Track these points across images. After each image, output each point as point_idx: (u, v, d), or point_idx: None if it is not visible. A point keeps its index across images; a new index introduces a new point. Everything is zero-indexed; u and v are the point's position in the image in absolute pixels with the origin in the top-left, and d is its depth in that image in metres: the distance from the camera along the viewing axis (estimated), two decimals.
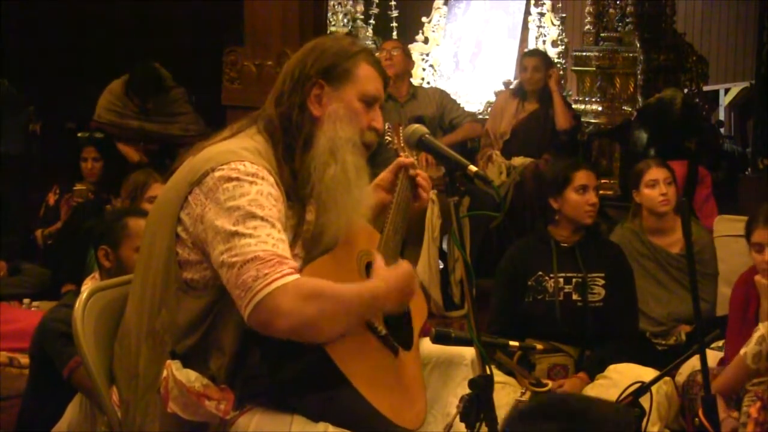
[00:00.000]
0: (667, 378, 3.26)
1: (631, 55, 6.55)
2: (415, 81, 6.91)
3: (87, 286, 2.99)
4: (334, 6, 7.41)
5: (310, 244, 2.37)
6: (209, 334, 2.25)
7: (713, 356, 3.70)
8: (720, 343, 3.79)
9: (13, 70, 7.24)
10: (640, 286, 4.21)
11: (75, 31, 7.86)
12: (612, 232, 4.59)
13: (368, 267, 2.43)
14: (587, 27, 6.85)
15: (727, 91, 9.60)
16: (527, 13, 7.16)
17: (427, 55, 7.43)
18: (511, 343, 2.73)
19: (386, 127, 2.74)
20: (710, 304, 4.30)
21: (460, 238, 2.36)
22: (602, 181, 6.24)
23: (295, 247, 2.30)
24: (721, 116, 9.39)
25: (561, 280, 3.71)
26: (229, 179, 2.20)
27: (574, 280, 3.72)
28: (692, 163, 5.58)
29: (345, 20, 7.50)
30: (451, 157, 2.36)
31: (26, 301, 5.16)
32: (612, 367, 3.54)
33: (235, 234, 2.15)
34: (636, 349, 3.75)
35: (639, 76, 6.62)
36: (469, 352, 2.52)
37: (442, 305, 5.55)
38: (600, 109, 6.55)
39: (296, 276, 2.15)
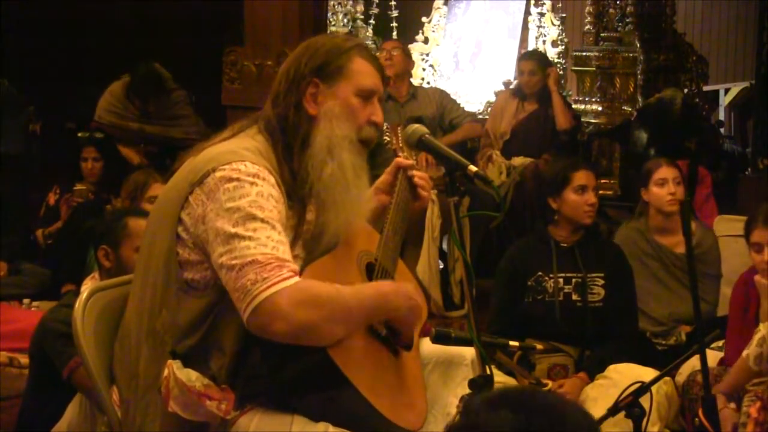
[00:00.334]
0: (667, 378, 3.26)
1: (631, 55, 6.56)
2: (415, 81, 6.91)
3: (87, 286, 2.99)
4: (334, 6, 7.41)
5: (311, 244, 2.37)
6: (210, 334, 2.25)
7: (713, 356, 3.70)
8: (720, 343, 3.78)
9: (13, 70, 7.24)
10: (643, 285, 4.21)
11: (75, 32, 7.86)
12: (611, 231, 4.58)
13: (368, 267, 2.43)
14: (587, 27, 6.85)
15: (727, 91, 9.61)
16: (527, 13, 7.16)
17: (427, 55, 7.43)
18: (511, 343, 2.73)
19: (386, 127, 2.74)
20: (712, 305, 4.30)
21: (460, 238, 2.36)
22: (602, 181, 6.25)
23: (295, 247, 2.29)
24: (721, 116, 9.40)
25: (561, 280, 3.71)
26: (230, 180, 2.20)
27: (573, 280, 3.72)
28: (692, 163, 5.58)
29: (345, 20, 7.50)
30: (451, 157, 2.36)
31: (26, 301, 5.16)
32: (612, 367, 3.54)
33: (235, 236, 2.15)
34: (636, 349, 3.75)
35: (639, 76, 6.63)
36: (469, 352, 2.52)
37: (442, 305, 5.56)
38: (600, 109, 6.55)
39: (296, 279, 2.15)
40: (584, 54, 6.67)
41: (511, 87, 6.56)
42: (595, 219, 3.99)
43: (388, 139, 2.73)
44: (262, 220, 2.17)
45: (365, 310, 2.25)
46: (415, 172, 2.58)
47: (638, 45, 6.64)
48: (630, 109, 6.52)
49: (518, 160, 5.99)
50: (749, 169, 7.50)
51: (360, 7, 7.62)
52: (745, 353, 3.35)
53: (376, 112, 2.40)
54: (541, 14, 7.15)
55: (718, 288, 4.35)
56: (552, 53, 6.99)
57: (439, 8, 7.50)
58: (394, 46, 6.40)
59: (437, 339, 2.45)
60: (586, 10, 6.90)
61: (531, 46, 7.02)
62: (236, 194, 2.18)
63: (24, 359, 4.09)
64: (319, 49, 2.37)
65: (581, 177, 3.77)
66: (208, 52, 7.10)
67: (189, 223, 2.25)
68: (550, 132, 6.11)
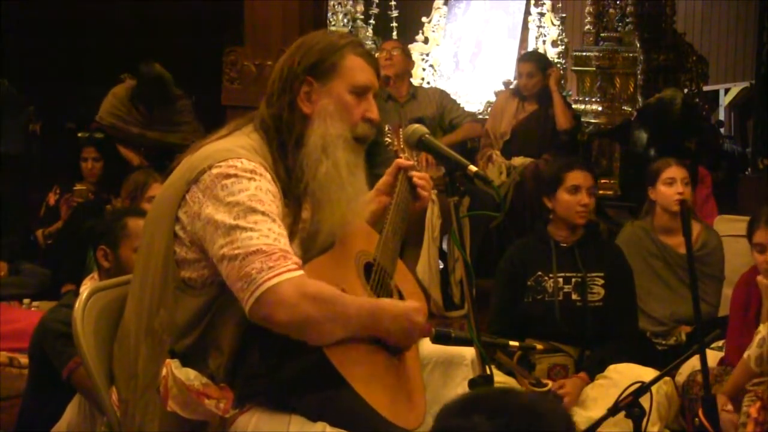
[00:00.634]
0: (667, 378, 3.26)
1: (631, 55, 6.55)
2: (415, 81, 6.91)
3: (86, 287, 2.99)
4: (334, 6, 7.41)
5: (307, 242, 2.37)
6: (208, 333, 2.25)
7: (713, 356, 3.70)
8: (720, 343, 3.78)
9: (13, 70, 7.24)
10: (645, 285, 4.21)
11: (75, 32, 7.86)
12: (612, 231, 4.58)
13: (367, 267, 2.43)
14: (587, 27, 6.85)
15: (727, 91, 9.61)
16: (527, 13, 7.16)
17: (427, 55, 7.43)
18: (511, 343, 2.73)
19: (387, 129, 2.74)
20: (713, 306, 4.29)
21: (460, 238, 2.36)
22: (602, 181, 6.25)
23: (291, 246, 2.29)
24: (721, 116, 9.40)
25: (560, 280, 3.71)
26: (227, 176, 2.20)
27: (573, 280, 3.71)
28: (692, 163, 5.57)
29: (345, 20, 7.50)
30: (451, 157, 2.36)
31: (26, 301, 5.16)
32: (612, 367, 3.54)
33: (237, 227, 2.15)
34: (636, 349, 3.75)
35: (639, 76, 6.63)
36: (469, 352, 2.51)
37: (442, 305, 5.56)
38: (600, 109, 6.55)
39: (301, 272, 2.15)
40: (584, 54, 6.67)
41: (511, 87, 6.56)
42: (594, 219, 3.99)
43: (390, 140, 2.73)
44: (263, 213, 2.17)
45: (361, 321, 2.23)
46: (415, 173, 2.58)
47: (638, 45, 6.64)
48: (630, 109, 6.51)
49: (518, 160, 5.99)
50: (749, 169, 7.51)
51: (360, 7, 7.62)
52: (746, 354, 3.35)
53: (371, 108, 2.40)
54: (541, 14, 7.15)
55: (719, 290, 4.34)
56: (552, 53, 6.99)
57: (439, 8, 7.49)
58: (394, 46, 6.40)
59: (437, 339, 2.45)
60: (586, 10, 6.90)
61: (531, 46, 7.02)
62: (235, 189, 2.19)
63: (24, 359, 4.08)
64: (312, 48, 2.36)
65: (574, 177, 3.77)
66: (208, 52, 7.10)
67: (186, 221, 2.25)
68: (550, 132, 6.11)
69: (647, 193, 4.40)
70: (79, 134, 6.45)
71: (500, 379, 3.36)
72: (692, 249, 2.90)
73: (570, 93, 6.96)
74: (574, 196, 3.75)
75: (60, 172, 6.38)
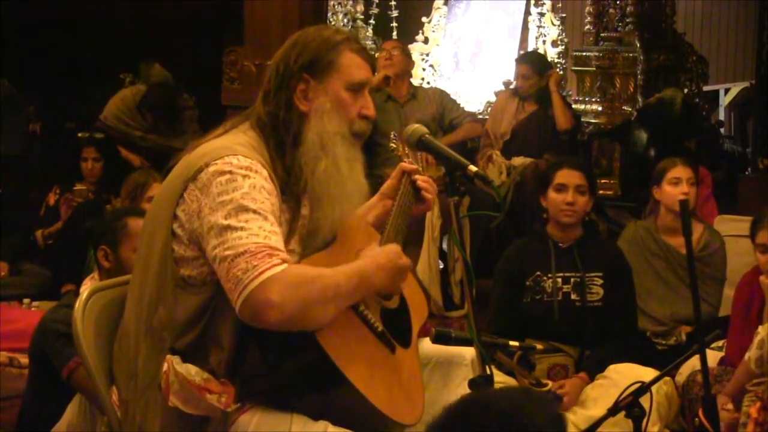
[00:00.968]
0: (667, 378, 3.26)
1: (631, 55, 6.55)
2: (415, 81, 6.91)
3: (86, 287, 2.99)
4: (334, 6, 7.41)
5: (307, 239, 2.38)
6: (208, 329, 2.25)
7: (713, 356, 3.70)
8: (720, 343, 3.79)
9: (13, 70, 7.25)
10: (646, 285, 4.21)
11: (75, 32, 7.86)
12: (612, 231, 4.58)
13: None
14: (587, 27, 6.85)
15: (727, 91, 9.61)
16: (527, 13, 7.16)
17: (427, 55, 7.43)
18: (511, 343, 2.73)
19: (392, 135, 2.75)
20: (714, 307, 4.29)
21: (460, 238, 2.36)
22: (602, 181, 6.25)
23: (290, 242, 2.30)
24: (721, 116, 9.40)
25: (559, 280, 3.71)
26: (223, 173, 2.21)
27: (572, 279, 3.71)
28: (692, 163, 5.58)
29: (345, 20, 7.51)
30: (451, 157, 2.37)
31: (26, 301, 5.16)
32: (612, 367, 3.54)
33: (228, 228, 2.16)
34: (636, 349, 3.74)
35: (639, 76, 6.62)
36: (469, 352, 2.52)
37: (442, 305, 5.56)
38: (600, 109, 6.55)
39: (285, 266, 2.15)
40: (584, 54, 6.67)
41: (511, 87, 6.56)
42: (593, 219, 3.99)
43: (395, 146, 2.74)
44: (254, 211, 2.17)
45: (351, 286, 2.22)
46: (419, 177, 2.59)
47: (638, 45, 6.64)
48: (630, 109, 6.51)
49: (518, 160, 5.99)
50: (749, 169, 7.51)
51: (360, 7, 7.62)
52: (747, 356, 3.35)
53: (367, 104, 2.40)
54: (541, 14, 7.15)
55: (720, 290, 4.34)
56: (552, 53, 6.99)
57: (439, 8, 7.49)
58: (394, 46, 6.40)
59: (437, 339, 2.46)
60: (586, 10, 6.90)
61: (531, 46, 7.02)
62: (229, 187, 2.19)
63: (24, 359, 4.08)
64: (308, 45, 2.36)
65: (561, 176, 3.77)
66: (208, 52, 7.11)
67: (184, 219, 2.25)
68: (550, 132, 6.11)
69: (651, 193, 4.39)
70: (79, 134, 6.46)
71: (500, 379, 3.35)
72: (694, 249, 2.91)
73: (570, 93, 6.96)
74: (560, 194, 3.75)
75: (60, 172, 6.39)
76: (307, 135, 2.33)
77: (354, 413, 2.20)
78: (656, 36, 6.85)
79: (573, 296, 3.69)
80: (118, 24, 7.97)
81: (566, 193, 3.73)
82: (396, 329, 2.41)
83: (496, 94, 6.79)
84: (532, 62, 6.27)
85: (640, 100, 6.60)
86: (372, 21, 7.65)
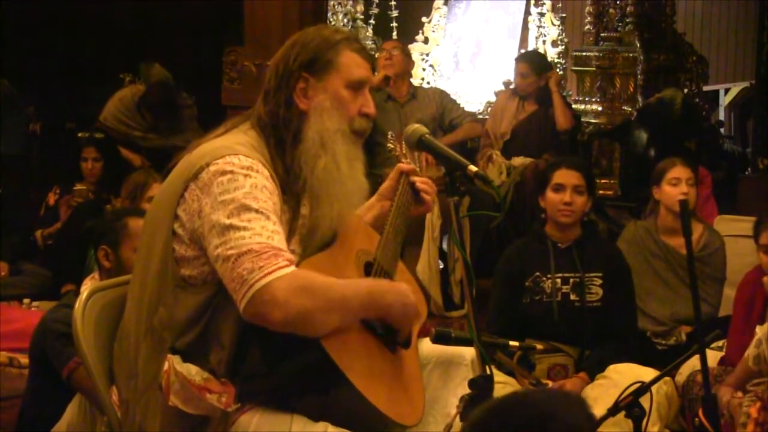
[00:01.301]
0: (667, 378, 3.26)
1: (631, 55, 6.55)
2: (415, 81, 6.91)
3: (86, 287, 2.99)
4: (334, 6, 7.41)
5: (307, 238, 2.38)
6: (208, 329, 2.25)
7: (713, 356, 3.70)
8: (720, 343, 3.79)
9: (13, 70, 7.24)
10: (646, 285, 4.21)
11: (75, 32, 7.86)
12: (612, 231, 4.58)
13: (366, 266, 2.43)
14: (587, 27, 6.85)
15: (727, 91, 9.61)
16: (527, 13, 7.15)
17: (427, 55, 7.43)
18: (511, 343, 2.73)
19: (390, 135, 2.75)
20: (713, 307, 4.29)
21: (460, 238, 2.36)
22: (602, 181, 6.26)
23: (291, 242, 2.30)
24: (721, 116, 9.40)
25: (558, 280, 3.71)
26: (224, 173, 2.21)
27: (571, 280, 3.71)
28: (692, 163, 5.58)
29: (345, 20, 7.50)
30: (451, 157, 2.37)
31: (26, 301, 5.16)
32: (612, 367, 3.54)
33: (230, 227, 2.16)
34: (636, 348, 3.75)
35: (639, 76, 6.62)
36: (469, 352, 2.51)
37: (442, 305, 5.56)
38: (600, 109, 6.54)
39: (292, 268, 2.15)
40: (584, 54, 6.67)
41: (511, 87, 6.56)
42: (593, 219, 3.98)
43: (392, 146, 2.74)
44: (257, 211, 2.18)
45: (360, 301, 2.24)
46: (417, 178, 2.59)
47: (638, 45, 6.64)
48: (630, 109, 6.51)
49: (518, 160, 5.99)
50: (749, 169, 7.51)
51: (360, 7, 7.62)
52: (746, 353, 3.36)
53: (367, 103, 2.40)
54: (541, 14, 7.15)
55: (720, 291, 4.34)
56: (552, 53, 6.99)
57: (439, 8, 7.49)
58: (394, 46, 6.40)
59: (437, 339, 2.45)
60: (586, 10, 6.90)
61: (531, 46, 7.02)
62: (230, 186, 2.19)
63: (24, 359, 4.09)
64: (307, 44, 2.37)
65: (559, 176, 3.77)
66: (208, 52, 7.11)
67: (185, 219, 2.25)
68: (550, 132, 6.11)
69: (651, 193, 4.40)
70: (79, 134, 6.46)
71: (500, 379, 3.35)
72: (693, 249, 2.91)
73: (570, 93, 6.96)
74: (557, 194, 3.75)
75: (60, 172, 6.39)
76: (307, 133, 2.33)
77: (354, 414, 2.20)
78: (656, 36, 6.85)
79: (572, 297, 3.69)
80: (118, 24, 7.97)
81: (564, 193, 3.73)
82: (396, 329, 2.41)
83: (496, 94, 6.79)
84: (531, 61, 6.27)
85: (640, 100, 6.60)
86: (372, 21, 7.65)
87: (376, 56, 6.31)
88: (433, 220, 5.52)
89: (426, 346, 2.56)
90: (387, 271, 2.44)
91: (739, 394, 3.35)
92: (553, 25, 7.12)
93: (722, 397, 3.37)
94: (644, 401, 2.66)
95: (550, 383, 3.50)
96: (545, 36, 7.12)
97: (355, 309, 2.24)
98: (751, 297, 3.73)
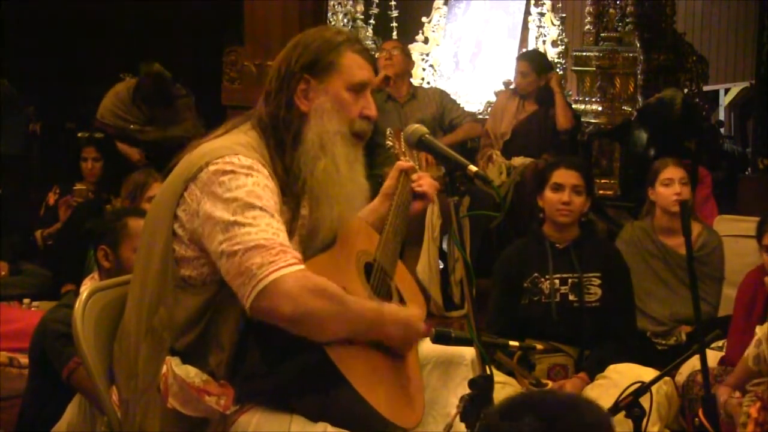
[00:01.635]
0: (667, 378, 3.26)
1: (631, 55, 6.55)
2: (415, 81, 6.91)
3: (86, 287, 2.99)
4: (334, 6, 7.41)
5: (306, 239, 2.38)
6: (208, 330, 2.25)
7: (713, 356, 3.70)
8: (720, 343, 3.79)
9: (13, 70, 7.24)
10: (645, 285, 4.21)
11: (75, 32, 7.86)
12: (611, 231, 4.58)
13: (367, 267, 2.43)
14: (587, 27, 6.84)
15: (727, 91, 9.60)
16: (527, 13, 7.15)
17: (427, 55, 7.42)
18: (511, 343, 2.73)
19: (388, 132, 2.75)
20: (713, 307, 4.29)
21: (460, 238, 2.36)
22: (602, 181, 6.26)
23: (291, 243, 2.30)
24: (721, 116, 9.40)
25: (557, 281, 3.70)
26: (225, 172, 2.21)
27: (569, 280, 3.71)
28: (692, 163, 5.58)
29: (345, 20, 7.50)
30: (451, 157, 2.36)
31: (26, 301, 5.16)
32: (612, 367, 3.54)
33: (235, 223, 2.15)
34: (635, 348, 3.74)
35: (639, 76, 6.62)
36: (469, 352, 2.51)
37: (442, 305, 5.56)
38: (600, 109, 6.54)
39: (302, 266, 2.15)
40: (584, 54, 6.66)
41: (511, 87, 6.56)
42: (591, 218, 3.98)
43: (391, 143, 2.74)
44: (261, 209, 2.17)
45: (364, 322, 2.24)
46: (415, 176, 2.59)
47: (638, 45, 6.64)
48: (630, 109, 6.51)
49: (518, 160, 5.99)
50: (749, 169, 7.52)
51: (360, 7, 7.62)
52: (746, 353, 3.36)
53: (369, 105, 2.40)
54: (541, 14, 7.14)
55: (719, 290, 4.35)
56: (552, 53, 6.99)
57: (439, 8, 7.49)
58: (394, 46, 6.40)
59: (437, 339, 2.45)
60: (586, 10, 6.89)
61: (531, 46, 7.02)
62: (232, 185, 2.19)
63: (24, 359, 4.09)
64: (309, 45, 2.36)
65: (558, 175, 3.76)
66: (208, 52, 7.11)
67: (185, 219, 2.25)
68: (550, 132, 6.11)
69: (647, 194, 4.40)
70: (79, 134, 6.46)
71: (500, 379, 3.35)
72: (692, 249, 2.91)
73: (570, 93, 6.96)
74: (556, 194, 3.75)
75: (60, 172, 6.39)
76: (307, 135, 2.33)
77: (354, 415, 2.20)
78: (656, 36, 6.85)
79: (571, 297, 3.69)
80: (118, 24, 7.97)
81: (563, 193, 3.73)
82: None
83: (496, 94, 6.79)
84: (531, 60, 6.27)
85: (640, 100, 6.60)
86: (372, 21, 7.65)
87: (376, 56, 6.31)
88: (433, 220, 5.52)
89: (426, 346, 2.56)
90: (387, 271, 2.44)
91: (737, 393, 3.35)
92: (553, 25, 7.12)
93: (720, 396, 3.38)
94: (644, 401, 2.66)
95: (550, 383, 3.50)
96: (545, 36, 7.12)
97: (358, 328, 2.24)
98: (752, 297, 3.74)
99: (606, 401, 2.89)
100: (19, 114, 7.11)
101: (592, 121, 6.51)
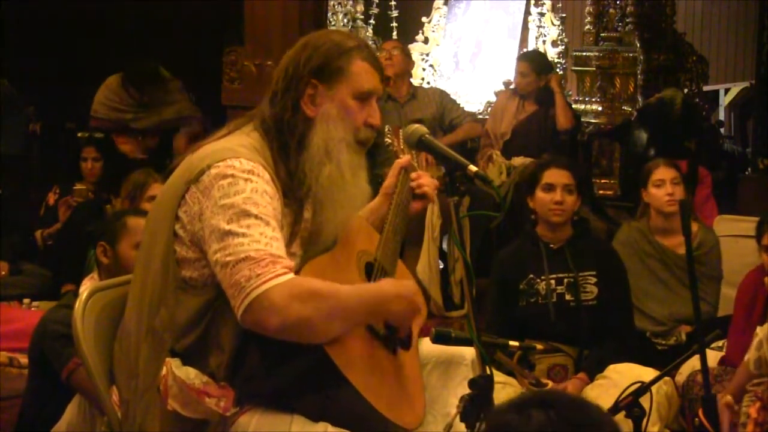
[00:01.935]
0: (667, 378, 3.26)
1: (631, 55, 6.55)
2: (415, 81, 6.91)
3: (86, 287, 2.99)
4: (334, 6, 7.41)
5: (308, 242, 2.37)
6: (208, 331, 2.25)
7: (713, 356, 3.70)
8: (720, 343, 3.79)
9: (13, 70, 7.24)
10: (644, 286, 4.21)
11: (75, 32, 7.86)
12: (611, 231, 4.58)
13: (367, 267, 2.43)
14: (587, 27, 6.84)
15: (727, 91, 9.60)
16: (527, 13, 7.15)
17: (427, 55, 7.42)
18: (511, 343, 2.73)
19: (387, 129, 2.75)
20: (712, 306, 4.30)
21: (460, 238, 2.36)
22: (602, 181, 6.26)
23: (292, 245, 2.30)
24: (721, 116, 9.39)
25: (552, 281, 3.71)
26: (225, 176, 2.20)
27: (565, 280, 3.71)
28: (692, 163, 5.58)
29: (345, 20, 7.50)
30: (451, 157, 2.36)
31: (26, 301, 5.16)
32: (612, 367, 3.54)
33: (229, 233, 2.16)
34: (636, 348, 3.75)
35: (639, 76, 6.62)
36: (469, 352, 2.51)
37: (442, 305, 5.55)
38: (600, 109, 6.54)
39: (290, 275, 2.15)
40: (584, 54, 6.66)
41: (512, 87, 6.56)
42: (585, 217, 3.98)
43: (390, 141, 2.73)
44: (256, 217, 2.17)
45: (364, 308, 2.25)
46: (414, 174, 2.58)
47: (638, 45, 6.64)
48: (630, 109, 6.51)
49: (518, 160, 5.99)
50: (749, 169, 7.51)
51: (360, 7, 7.62)
52: (746, 357, 3.36)
53: (374, 114, 2.39)
54: (541, 14, 7.14)
55: (718, 289, 4.35)
56: (552, 53, 6.99)
57: (439, 8, 7.49)
58: (394, 46, 6.40)
59: (437, 339, 2.45)
60: (586, 10, 6.90)
61: (531, 46, 7.02)
62: (230, 191, 2.19)
63: (24, 359, 4.08)
64: (318, 49, 2.35)
65: (549, 175, 3.76)
66: (208, 52, 7.10)
67: (186, 221, 2.25)
68: (550, 132, 6.11)
69: (641, 195, 4.41)
70: (79, 134, 6.47)
71: (500, 379, 3.36)
72: (688, 248, 2.91)
73: (570, 93, 6.96)
74: (548, 194, 3.75)
75: (60, 172, 6.38)
76: (313, 140, 2.32)
77: (354, 415, 2.20)
78: (656, 36, 6.84)
79: (567, 297, 3.69)
80: (118, 24, 7.96)
81: (554, 193, 3.73)
82: (397, 331, 2.40)
83: (496, 94, 6.79)
84: (531, 60, 6.27)
85: (640, 100, 6.60)
86: (372, 21, 7.65)
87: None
88: (433, 220, 5.52)
89: (426, 346, 2.56)
90: (387, 270, 2.44)
91: (729, 398, 3.35)
92: (553, 25, 7.12)
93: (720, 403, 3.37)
94: (644, 401, 2.66)
95: (550, 383, 3.50)
96: (545, 36, 7.12)
97: (358, 316, 2.25)
98: (752, 297, 3.74)
99: (606, 401, 2.90)
100: (19, 114, 7.11)
101: (592, 121, 6.51)
